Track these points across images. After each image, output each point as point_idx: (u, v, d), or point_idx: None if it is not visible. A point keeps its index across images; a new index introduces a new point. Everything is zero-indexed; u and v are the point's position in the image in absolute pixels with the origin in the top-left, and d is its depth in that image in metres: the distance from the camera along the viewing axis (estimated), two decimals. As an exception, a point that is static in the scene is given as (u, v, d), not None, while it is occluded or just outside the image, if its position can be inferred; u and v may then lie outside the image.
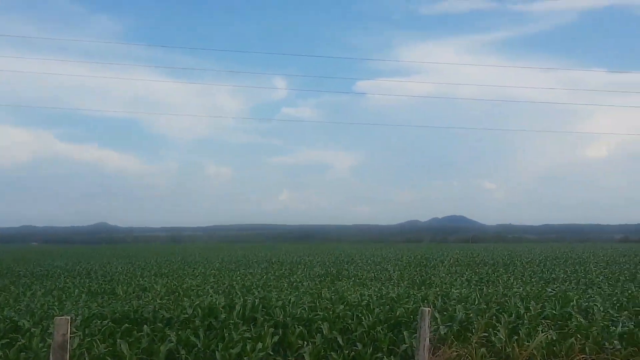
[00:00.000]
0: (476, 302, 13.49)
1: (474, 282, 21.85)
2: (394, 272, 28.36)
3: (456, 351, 10.24)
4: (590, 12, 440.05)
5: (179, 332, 10.51)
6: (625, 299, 14.14)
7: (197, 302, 13.12)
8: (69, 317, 6.91)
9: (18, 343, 9.76)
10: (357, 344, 10.34)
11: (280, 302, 13.02)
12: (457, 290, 15.92)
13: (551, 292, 14.97)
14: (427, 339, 8.89)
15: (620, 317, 11.93)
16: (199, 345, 9.92)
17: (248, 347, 9.66)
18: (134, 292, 18.70)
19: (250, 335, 10.36)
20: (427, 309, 8.94)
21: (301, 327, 10.94)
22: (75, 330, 10.05)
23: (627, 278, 23.54)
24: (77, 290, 19.88)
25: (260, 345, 9.77)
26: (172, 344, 9.91)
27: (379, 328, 10.98)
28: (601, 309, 12.57)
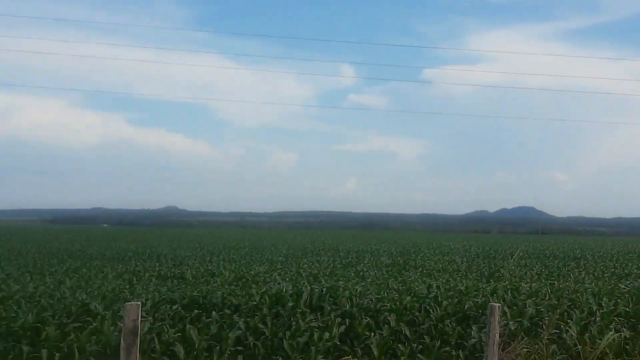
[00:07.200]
0: (547, 297, 13.13)
1: (544, 276, 21.35)
2: (462, 263, 28.04)
3: (526, 347, 10.01)
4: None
5: (247, 320, 10.58)
6: None
7: (265, 290, 13.15)
8: (139, 303, 6.90)
9: (90, 326, 9.90)
10: (425, 336, 10.24)
11: (347, 292, 12.88)
12: (527, 285, 15.54)
13: (624, 288, 14.42)
14: (497, 335, 8.71)
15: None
16: (266, 333, 9.98)
17: (315, 336, 9.68)
18: (202, 277, 18.96)
19: (317, 325, 10.35)
20: (497, 304, 8.71)
21: (368, 318, 10.86)
22: (145, 315, 10.21)
23: None
24: (147, 273, 20.31)
25: (327, 334, 9.77)
26: (241, 331, 9.99)
27: (447, 321, 10.84)
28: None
